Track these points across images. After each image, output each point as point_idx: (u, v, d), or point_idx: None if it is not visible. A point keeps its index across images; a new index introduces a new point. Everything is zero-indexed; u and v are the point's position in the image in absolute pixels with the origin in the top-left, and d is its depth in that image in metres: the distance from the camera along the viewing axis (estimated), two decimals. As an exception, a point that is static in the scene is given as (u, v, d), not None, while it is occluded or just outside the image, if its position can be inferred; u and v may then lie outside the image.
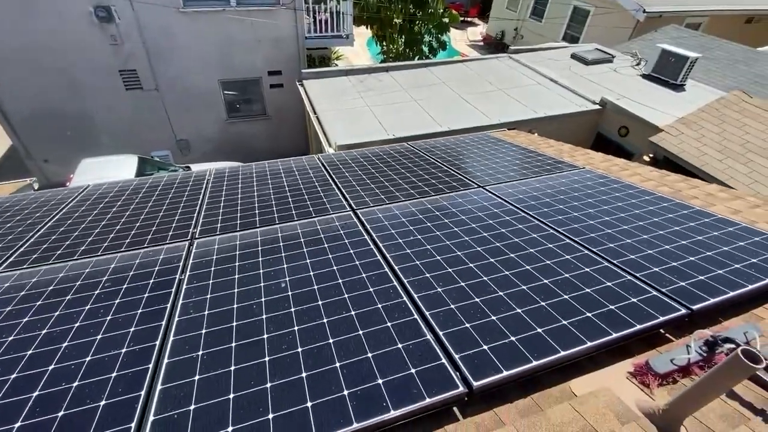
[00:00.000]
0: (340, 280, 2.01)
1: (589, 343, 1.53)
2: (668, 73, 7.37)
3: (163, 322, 1.78)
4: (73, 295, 1.99)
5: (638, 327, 1.59)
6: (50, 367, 1.54)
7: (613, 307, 1.72)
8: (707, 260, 2.00)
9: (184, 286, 2.04)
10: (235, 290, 1.98)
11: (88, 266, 2.25)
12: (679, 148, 5.40)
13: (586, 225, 2.42)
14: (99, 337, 1.70)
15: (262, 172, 3.77)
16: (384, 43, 12.81)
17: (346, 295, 1.89)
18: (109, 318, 1.81)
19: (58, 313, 1.86)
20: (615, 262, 2.03)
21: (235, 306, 1.86)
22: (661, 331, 1.70)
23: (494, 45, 19.23)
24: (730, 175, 4.87)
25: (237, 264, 2.21)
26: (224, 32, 7.99)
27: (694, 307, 1.67)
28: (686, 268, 1.95)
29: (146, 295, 1.98)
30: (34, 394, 1.42)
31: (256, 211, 2.89)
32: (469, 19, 24.42)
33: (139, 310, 1.87)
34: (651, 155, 5.91)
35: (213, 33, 7.93)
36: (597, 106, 6.87)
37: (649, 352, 1.62)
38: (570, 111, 6.75)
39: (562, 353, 1.49)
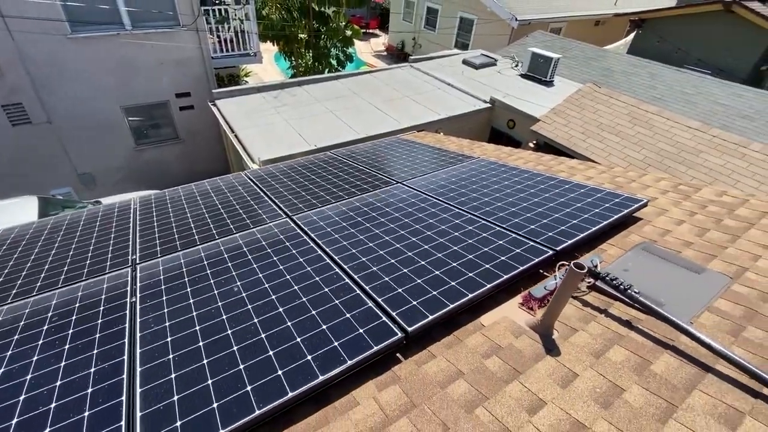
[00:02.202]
0: (288, 276, 2.29)
1: (488, 285, 2.03)
2: (540, 72, 8.73)
3: (126, 340, 1.90)
4: (20, 335, 1.99)
5: (521, 268, 2.15)
6: (21, 398, 1.61)
7: (504, 258, 2.26)
8: (567, 215, 2.67)
9: (139, 306, 2.15)
10: (191, 300, 2.15)
11: (26, 307, 2.23)
12: (553, 134, 6.51)
13: (482, 201, 3.01)
14: (62, 364, 1.78)
15: (191, 194, 3.83)
16: (293, 59, 13.02)
17: (296, 287, 2.18)
18: (67, 347, 1.88)
19: (9, 352, 1.87)
20: (504, 226, 2.61)
21: (195, 313, 2.04)
22: (540, 270, 2.29)
23: (396, 54, 20.45)
24: (591, 151, 6.03)
25: (186, 279, 2.37)
26: (122, 56, 7.56)
27: (558, 248, 2.29)
28: (553, 222, 2.60)
29: (100, 320, 2.07)
30: (14, 422, 1.50)
31: (193, 230, 3.02)
32: (370, 30, 25.56)
33: (97, 335, 1.96)
34: (534, 142, 7.01)
35: (109, 58, 7.45)
36: (488, 105, 7.91)
37: (533, 287, 2.18)
38: (467, 111, 7.68)
39: (470, 296, 1.97)
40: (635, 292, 1.85)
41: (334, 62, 12.40)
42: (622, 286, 1.89)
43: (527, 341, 1.83)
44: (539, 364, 1.70)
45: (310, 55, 12.04)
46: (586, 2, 16.32)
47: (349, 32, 11.88)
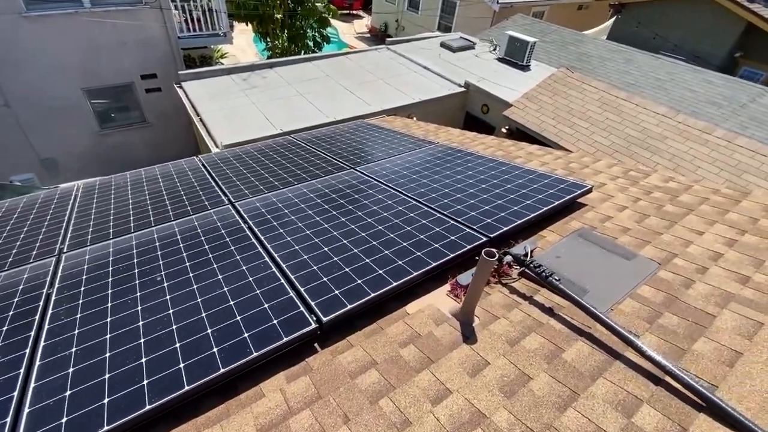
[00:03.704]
0: (215, 266, 2.21)
1: (415, 273, 1.99)
2: (516, 56, 8.62)
3: (32, 333, 1.81)
4: None
5: (451, 255, 2.10)
6: None
7: (437, 245, 2.21)
8: (510, 201, 2.63)
9: (54, 298, 2.06)
10: (109, 291, 2.06)
11: (-68, 299, 2.11)
12: (525, 119, 6.46)
13: (430, 188, 2.94)
14: (-43, 358, 1.68)
15: (138, 179, 3.69)
16: (268, 40, 12.62)
17: (220, 276, 2.10)
18: (-34, 340, 1.79)
19: None
20: (445, 212, 2.56)
21: (110, 304, 1.96)
22: (476, 258, 2.24)
23: (379, 36, 20.02)
24: (561, 137, 6.01)
25: (110, 269, 2.27)
26: (82, 36, 7.18)
27: (492, 235, 2.25)
28: (494, 209, 2.55)
29: (11, 312, 1.97)
30: None
31: (131, 218, 2.90)
32: (354, 12, 24.93)
33: (5, 327, 1.86)
34: (507, 127, 6.96)
35: (68, 38, 7.07)
36: (462, 89, 7.79)
37: (461, 275, 2.13)
38: (441, 95, 7.56)
39: (394, 284, 1.93)
40: (556, 279, 1.82)
41: (310, 43, 12.06)
42: (543, 274, 1.86)
43: (447, 329, 1.80)
44: (453, 353, 1.66)
45: (286, 36, 11.67)
46: (570, -14, 16.12)
47: (325, 13, 11.51)
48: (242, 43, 18.12)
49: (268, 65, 8.72)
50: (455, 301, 1.98)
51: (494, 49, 9.42)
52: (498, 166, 3.26)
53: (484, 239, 2.23)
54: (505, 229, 2.31)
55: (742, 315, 1.67)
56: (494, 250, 1.59)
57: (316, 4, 11.33)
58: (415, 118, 6.95)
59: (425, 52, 9.62)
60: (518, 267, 2.08)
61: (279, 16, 11.71)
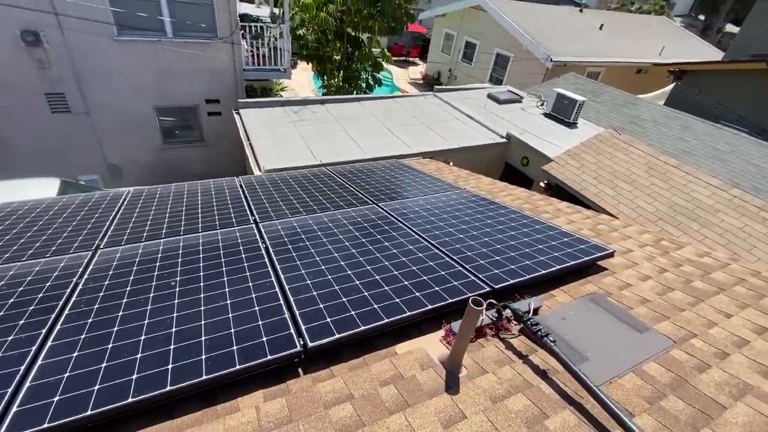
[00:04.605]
0: (225, 278, 2.33)
1: (408, 313, 1.98)
2: (563, 113, 8.62)
3: (53, 316, 1.99)
4: (-36, 297, 2.13)
5: (449, 301, 2.08)
6: (-68, 353, 1.70)
7: (438, 288, 2.20)
8: (523, 255, 2.58)
9: (80, 288, 2.25)
10: (127, 289, 2.23)
11: (-17, 273, 2.38)
12: (564, 175, 6.35)
13: (444, 231, 2.96)
14: (-15, 329, 1.88)
15: (180, 191, 4.01)
16: (325, 78, 13.58)
17: (226, 289, 2.21)
18: (-2, 314, 1.99)
19: (-54, 311, 2.00)
20: (455, 257, 2.55)
21: (124, 301, 2.11)
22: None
23: (432, 83, 20.84)
24: (601, 197, 5.82)
25: (134, 268, 2.46)
26: (160, 61, 8.19)
27: (496, 287, 2.20)
28: (505, 260, 2.51)
29: (39, 295, 2.18)
30: None
31: (164, 225, 3.15)
32: (410, 59, 26.30)
33: (30, 308, 2.06)
34: (545, 182, 6.85)
35: (149, 61, 8.10)
36: (503, 140, 7.84)
37: (455, 322, 2.09)
38: (480, 143, 7.66)
39: (385, 320, 1.93)
40: (551, 341, 1.74)
41: (363, 85, 12.81)
42: (539, 333, 1.79)
43: (432, 375, 1.76)
44: (432, 400, 1.62)
45: (341, 76, 12.50)
46: (628, 49, 16.07)
47: (379, 58, 12.28)
48: (303, 79, 19.59)
49: (320, 101, 9.33)
50: (446, 347, 1.94)
51: (541, 105, 9.49)
52: (520, 218, 3.22)
53: (487, 289, 2.18)
54: (511, 282, 2.26)
55: (757, 411, 1.50)
56: (482, 299, 1.57)
57: (373, 50, 12.13)
58: (451, 163, 7.05)
59: (471, 101, 9.88)
60: (517, 323, 2.01)
61: (337, 57, 12.64)
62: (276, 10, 11.17)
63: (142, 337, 1.82)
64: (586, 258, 2.53)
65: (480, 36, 17.66)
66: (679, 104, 11.50)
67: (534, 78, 13.71)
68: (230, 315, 1.98)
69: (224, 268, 2.44)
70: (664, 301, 2.24)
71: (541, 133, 8.10)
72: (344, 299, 2.11)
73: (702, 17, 32.19)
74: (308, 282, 2.28)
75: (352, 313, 1.99)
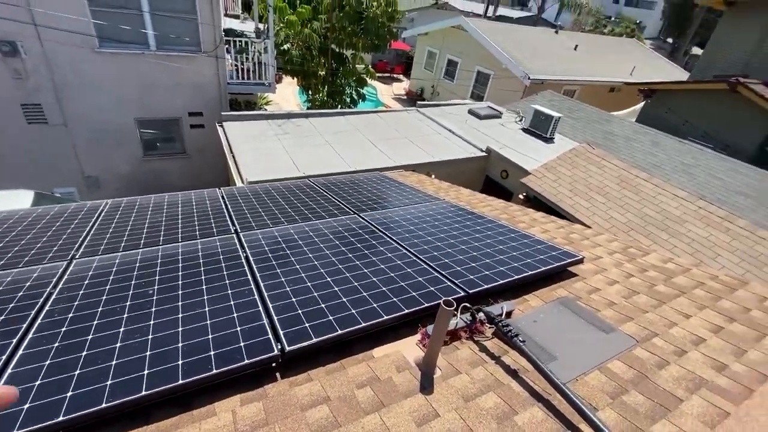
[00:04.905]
0: (204, 286, 2.33)
1: (384, 317, 2.03)
2: (541, 128, 8.94)
3: (24, 325, 1.96)
4: (-69, 307, 2.08)
5: (425, 305, 2.14)
6: None
7: (415, 293, 2.26)
8: (497, 261, 2.67)
9: (54, 297, 2.23)
10: (104, 297, 2.21)
11: (-48, 283, 2.33)
12: (542, 188, 6.56)
13: (423, 240, 3.04)
14: (-46, 338, 1.84)
15: (160, 202, 3.99)
16: (310, 93, 13.75)
17: (205, 297, 2.22)
18: (-33, 324, 1.95)
19: None
20: (431, 264, 2.62)
21: (99, 309, 2.10)
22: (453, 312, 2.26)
23: (415, 99, 21.29)
24: (576, 209, 6.03)
25: (111, 278, 2.44)
26: (143, 73, 8.18)
27: (471, 291, 2.28)
28: (480, 266, 2.59)
29: (11, 305, 2.14)
30: None
31: (143, 235, 3.13)
32: (395, 75, 26.87)
33: (1, 317, 2.03)
34: (524, 194, 7.06)
35: (130, 73, 8.08)
36: (483, 153, 8.07)
37: (430, 325, 2.15)
38: (461, 157, 7.85)
39: (362, 324, 1.97)
40: (521, 341, 1.82)
41: (347, 100, 13.01)
42: (509, 334, 1.86)
43: (407, 377, 1.80)
44: (407, 401, 1.66)
45: (326, 90, 12.68)
46: (602, 69, 16.85)
47: (363, 74, 12.54)
48: (288, 94, 19.75)
49: (304, 115, 9.43)
50: (422, 350, 1.99)
51: (520, 120, 9.82)
52: (496, 227, 3.33)
53: (462, 294, 2.26)
54: (486, 286, 2.34)
55: (710, 402, 1.59)
56: (453, 301, 1.64)
57: (357, 66, 12.38)
58: (433, 176, 7.20)
59: (453, 117, 10.15)
60: (490, 325, 2.08)
61: (322, 73, 12.85)
62: (261, 26, 11.35)
63: (118, 345, 1.82)
64: (557, 264, 2.64)
65: (461, 54, 18.23)
66: (649, 121, 12.07)
67: (513, 95, 14.19)
68: (208, 322, 2.00)
69: (203, 277, 2.45)
70: (630, 304, 2.35)
71: (519, 147, 8.37)
72: (323, 305, 2.14)
73: (670, 40, 34.05)
74: (287, 289, 2.31)
75: (330, 318, 2.03)
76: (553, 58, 16.41)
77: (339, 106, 13.03)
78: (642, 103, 13.67)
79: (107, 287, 2.32)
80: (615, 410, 1.60)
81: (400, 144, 8.30)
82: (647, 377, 1.76)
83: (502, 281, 2.41)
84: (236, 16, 16.04)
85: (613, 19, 36.29)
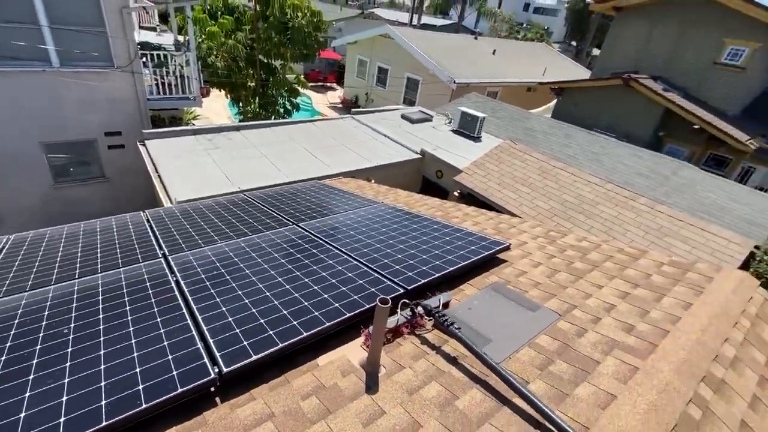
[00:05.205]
0: (129, 317, 2.16)
1: (327, 324, 2.03)
2: (468, 128, 9.45)
3: None
4: None
5: (367, 306, 2.17)
6: None
7: (356, 296, 2.29)
8: (433, 256, 2.79)
9: (-59, 352, 1.93)
10: (7, 345, 1.96)
11: None
12: (473, 184, 6.93)
13: (363, 243, 3.08)
14: None
15: (74, 233, 3.63)
16: (241, 105, 13.29)
17: (131, 328, 2.06)
18: None
19: None
20: (372, 266, 2.67)
21: (3, 358, 1.86)
22: (395, 309, 2.32)
23: (350, 106, 21.45)
24: (505, 201, 6.44)
25: (15, 322, 2.17)
26: (46, 92, 7.35)
27: (410, 287, 2.35)
28: (418, 263, 2.69)
29: None
30: None
31: (54, 270, 2.82)
32: (328, 84, 26.86)
33: None
34: (459, 191, 7.40)
35: (31, 93, 7.20)
36: (419, 156, 8.35)
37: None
38: (398, 160, 8.06)
39: (305, 334, 1.95)
40: (456, 328, 1.92)
41: (281, 110, 12.77)
42: (446, 323, 1.95)
43: (353, 380, 1.82)
44: (353, 403, 1.67)
45: (257, 102, 12.34)
46: (518, 71, 18.30)
47: (295, 84, 12.40)
48: (218, 107, 18.90)
49: (235, 128, 9.09)
50: (367, 351, 2.02)
51: (449, 122, 10.30)
52: (431, 225, 3.47)
53: (402, 291, 2.33)
54: (423, 281, 2.43)
55: (621, 360, 1.80)
56: (388, 299, 1.69)
57: (288, 76, 12.21)
58: (373, 181, 7.30)
59: (387, 122, 10.38)
60: (429, 318, 2.17)
61: (251, 84, 12.49)
62: (180, 38, 10.79)
63: (27, 394, 1.63)
64: (487, 253, 2.82)
65: (391, 62, 18.73)
66: (562, 116, 13.34)
67: (442, 98, 14.86)
68: (135, 354, 1.86)
69: (128, 308, 2.27)
70: (552, 282, 2.58)
71: (450, 147, 8.78)
72: (262, 321, 2.09)
73: (574, 43, 37.81)
74: (223, 309, 2.22)
75: (271, 332, 1.98)
76: (475, 62, 17.47)
77: (273, 117, 12.74)
78: (554, 101, 15.03)
79: (11, 333, 2.06)
80: (543, 380, 1.74)
81: (338, 151, 8.31)
82: (569, 346, 1.94)
83: (438, 274, 2.52)
84: (152, 29, 15.07)
85: (524, 25, 39.55)
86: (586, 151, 9.06)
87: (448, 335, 2.07)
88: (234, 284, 2.50)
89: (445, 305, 2.32)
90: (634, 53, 13.96)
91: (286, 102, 12.77)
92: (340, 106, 22.48)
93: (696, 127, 11.39)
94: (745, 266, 5.14)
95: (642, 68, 13.44)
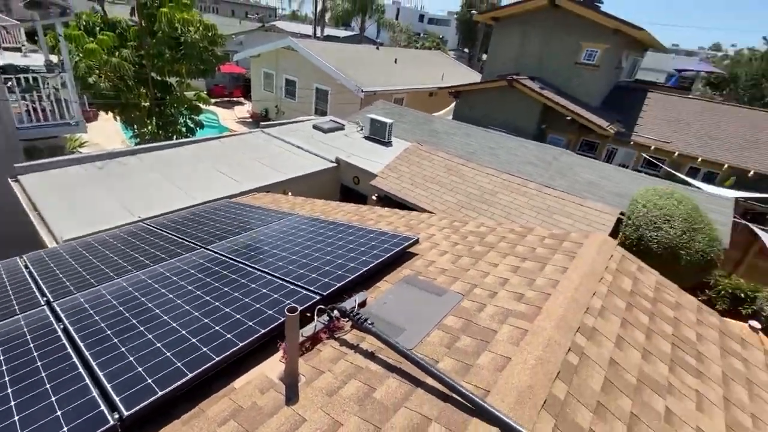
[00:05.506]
0: (6, 378, 1.88)
1: (241, 344, 1.98)
2: (379, 134, 9.79)
3: None
4: None
5: (283, 319, 2.16)
6: None
7: (271, 311, 2.26)
8: (348, 259, 2.86)
9: None
10: None
11: None
12: (388, 186, 7.21)
13: (277, 257, 3.04)
14: None
15: None
16: (135, 127, 12.11)
17: (9, 391, 1.80)
18: None
19: None
20: (287, 279, 2.65)
21: None
22: (308, 314, 2.34)
23: (261, 120, 20.77)
24: (418, 199, 6.81)
25: None
26: None
27: (325, 293, 2.40)
28: (333, 268, 2.74)
29: None
30: None
31: None
32: (234, 99, 25.71)
33: None
34: (376, 195, 7.63)
35: None
36: (334, 164, 8.43)
37: (295, 335, 2.19)
38: (313, 170, 8.04)
39: (216, 359, 1.89)
40: (369, 324, 2.01)
41: (183, 129, 11.92)
42: (360, 320, 2.04)
43: (272, 395, 1.80)
44: (273, 418, 1.66)
45: (154, 123, 11.37)
46: (420, 78, 19.46)
47: (196, 101, 11.68)
48: (110, 131, 17.00)
49: (130, 152, 8.28)
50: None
51: (361, 129, 10.56)
52: (346, 229, 3.55)
53: (318, 297, 2.36)
54: (339, 285, 2.49)
55: (514, 326, 2.05)
56: (297, 306, 1.72)
57: (186, 93, 11.45)
58: (290, 193, 7.19)
59: (299, 133, 10.29)
60: (347, 320, 2.23)
61: (145, 104, 11.47)
62: (53, 58, 9.52)
63: None
64: (398, 249, 2.98)
65: (298, 73, 18.58)
66: (461, 117, 14.56)
67: (352, 107, 15.15)
68: (16, 418, 1.63)
69: (4, 368, 1.97)
70: (457, 267, 2.82)
71: (364, 153, 9.01)
72: (168, 353, 1.97)
73: (466, 50, 41.23)
74: (122, 349, 2.04)
75: (179, 364, 1.88)
76: (379, 71, 18.15)
77: (174, 137, 11.82)
78: (453, 104, 16.27)
79: None
80: (451, 357, 1.91)
81: (249, 167, 8.02)
82: (471, 321, 2.15)
83: (353, 276, 2.60)
84: (17, 49, 13.04)
85: (421, 35, 42.14)
86: (484, 147, 9.96)
87: (365, 332, 2.15)
88: (134, 321, 2.30)
89: (362, 304, 2.40)
90: (513, 57, 15.77)
91: (188, 120, 11.96)
92: (250, 120, 21.66)
93: (569, 118, 13.26)
94: (616, 230, 6.11)
95: (522, 70, 15.24)
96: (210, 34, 11.20)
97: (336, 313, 2.21)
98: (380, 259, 2.81)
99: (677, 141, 13.29)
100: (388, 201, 7.38)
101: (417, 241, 3.14)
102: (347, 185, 8.64)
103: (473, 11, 29.91)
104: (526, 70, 15.18)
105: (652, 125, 14.05)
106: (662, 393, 1.89)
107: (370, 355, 2.00)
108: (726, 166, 12.25)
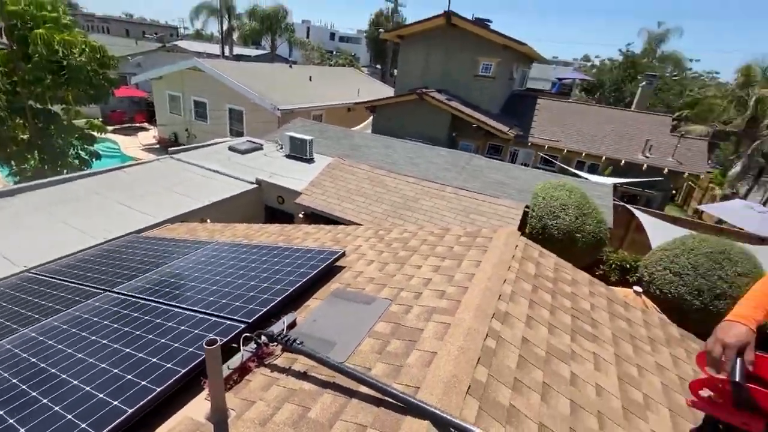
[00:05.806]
0: None
1: (159, 389, 1.83)
2: (300, 151, 9.69)
3: None
4: None
5: (203, 356, 2.04)
6: None
7: (192, 348, 2.12)
8: (274, 281, 2.79)
9: None
10: None
11: None
12: (314, 203, 7.15)
13: (195, 290, 2.86)
14: None
15: None
16: (13, 164, 10.46)
17: None
18: None
19: None
20: (208, 311, 2.50)
21: None
22: (234, 345, 2.23)
23: (170, 145, 19.28)
24: (345, 212, 6.86)
25: None
26: None
27: (251, 320, 2.31)
28: (258, 293, 2.65)
29: None
30: None
31: None
32: (137, 124, 23.55)
33: None
34: (302, 213, 7.52)
35: None
36: (255, 185, 8.13)
37: (221, 369, 2.08)
38: (233, 194, 7.68)
39: (131, 411, 1.71)
40: (298, 344, 1.98)
41: (75, 162, 10.59)
42: (289, 343, 2.00)
43: (199, 437, 1.68)
44: (202, 461, 1.56)
45: (37, 157, 9.95)
46: (337, 94, 19.73)
47: (88, 129, 10.48)
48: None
49: (8, 192, 7.14)
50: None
51: (281, 148, 10.35)
52: (271, 251, 3.46)
53: (243, 326, 2.26)
54: (265, 309, 2.42)
55: (438, 322, 2.17)
56: (217, 338, 1.64)
57: (75, 122, 10.22)
58: (209, 220, 6.77)
59: (214, 156, 9.76)
60: (276, 344, 2.17)
61: (24, 136, 10.00)
62: None
63: None
64: (325, 264, 2.98)
65: (207, 94, 17.66)
66: (379, 130, 15.11)
67: (270, 126, 14.81)
68: None
69: None
70: (384, 274, 2.90)
71: (286, 172, 8.84)
72: (69, 416, 1.74)
73: (379, 66, 42.84)
74: (10, 421, 1.75)
75: (83, 425, 1.67)
76: (295, 89, 18.02)
77: (65, 171, 10.43)
78: (371, 118, 16.78)
79: None
80: (383, 362, 1.96)
81: (159, 197, 7.39)
82: (400, 324, 2.24)
83: (280, 298, 2.54)
84: None
85: (334, 53, 42.85)
86: (403, 157, 10.39)
87: (296, 353, 2.11)
88: (24, 386, 2.00)
89: (291, 326, 2.36)
90: (421, 72, 16.88)
91: (80, 151, 10.66)
92: (158, 146, 19.97)
93: (475, 125, 14.50)
94: (524, 221, 6.77)
95: (429, 83, 16.34)
96: (99, 56, 10.17)
97: (264, 339, 2.15)
98: (307, 277, 2.79)
99: (565, 139, 15.24)
100: (316, 218, 7.32)
101: (344, 254, 3.17)
102: (271, 206, 8.39)
103: (380, 29, 31.24)
104: (433, 83, 16.28)
105: (543, 127, 15.96)
106: (567, 360, 2.15)
107: (303, 375, 1.97)
108: (604, 158, 14.33)
